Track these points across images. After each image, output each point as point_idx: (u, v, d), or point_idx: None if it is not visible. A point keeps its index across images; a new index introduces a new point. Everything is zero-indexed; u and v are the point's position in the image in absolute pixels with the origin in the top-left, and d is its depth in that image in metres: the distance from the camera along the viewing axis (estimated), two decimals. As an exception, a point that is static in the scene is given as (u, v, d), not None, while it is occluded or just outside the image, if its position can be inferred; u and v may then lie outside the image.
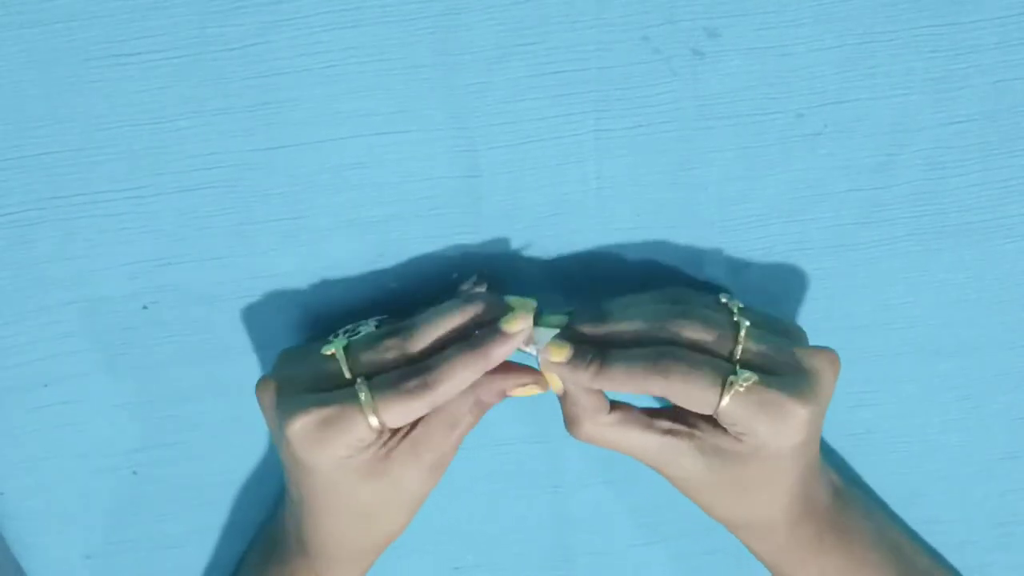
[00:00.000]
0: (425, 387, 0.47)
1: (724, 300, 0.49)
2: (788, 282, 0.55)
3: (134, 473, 0.60)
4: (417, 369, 0.47)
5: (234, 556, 0.62)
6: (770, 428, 0.46)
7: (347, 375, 0.48)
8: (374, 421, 0.47)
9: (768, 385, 0.46)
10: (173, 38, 0.50)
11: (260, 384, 0.51)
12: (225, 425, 0.59)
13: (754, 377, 0.46)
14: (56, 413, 0.58)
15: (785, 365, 0.48)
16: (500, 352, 0.47)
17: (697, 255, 0.55)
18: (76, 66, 0.50)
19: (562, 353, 0.48)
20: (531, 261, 0.55)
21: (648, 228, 0.54)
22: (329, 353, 0.49)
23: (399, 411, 0.47)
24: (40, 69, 0.50)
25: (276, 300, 0.55)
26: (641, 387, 0.46)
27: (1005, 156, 0.52)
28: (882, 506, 0.60)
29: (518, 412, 0.58)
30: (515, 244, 0.55)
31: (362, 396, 0.47)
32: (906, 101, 0.51)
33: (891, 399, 0.58)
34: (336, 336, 0.50)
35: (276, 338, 0.56)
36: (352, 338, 0.49)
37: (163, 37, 0.49)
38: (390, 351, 0.48)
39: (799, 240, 0.54)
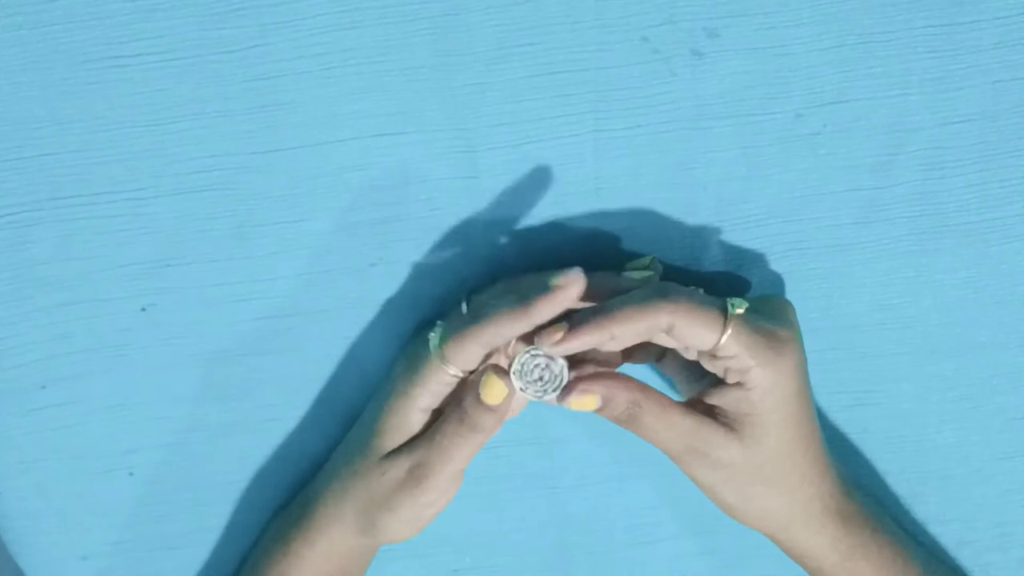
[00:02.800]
0: (476, 323, 0.48)
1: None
2: (787, 282, 0.55)
3: (131, 474, 0.59)
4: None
5: (232, 557, 0.62)
6: (767, 359, 0.48)
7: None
8: (439, 360, 0.50)
9: (758, 319, 0.48)
10: (172, 40, 0.50)
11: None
12: (222, 427, 0.59)
13: (746, 304, 0.48)
14: (54, 414, 0.58)
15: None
16: (544, 306, 0.47)
17: (696, 255, 0.55)
18: (75, 68, 0.50)
19: (558, 333, 0.48)
20: (530, 261, 0.55)
21: (647, 228, 0.54)
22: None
23: (454, 346, 0.49)
24: (39, 71, 0.50)
25: (275, 302, 0.55)
26: (651, 320, 0.47)
27: (1004, 156, 0.53)
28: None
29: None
30: (515, 245, 0.54)
31: (431, 339, 0.50)
32: (905, 101, 0.51)
33: (889, 399, 0.58)
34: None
35: (275, 340, 0.56)
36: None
37: (162, 39, 0.49)
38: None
39: (798, 240, 0.54)
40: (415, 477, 0.51)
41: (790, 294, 0.55)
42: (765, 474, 0.50)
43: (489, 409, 0.49)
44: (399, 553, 0.62)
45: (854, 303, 0.56)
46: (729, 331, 0.47)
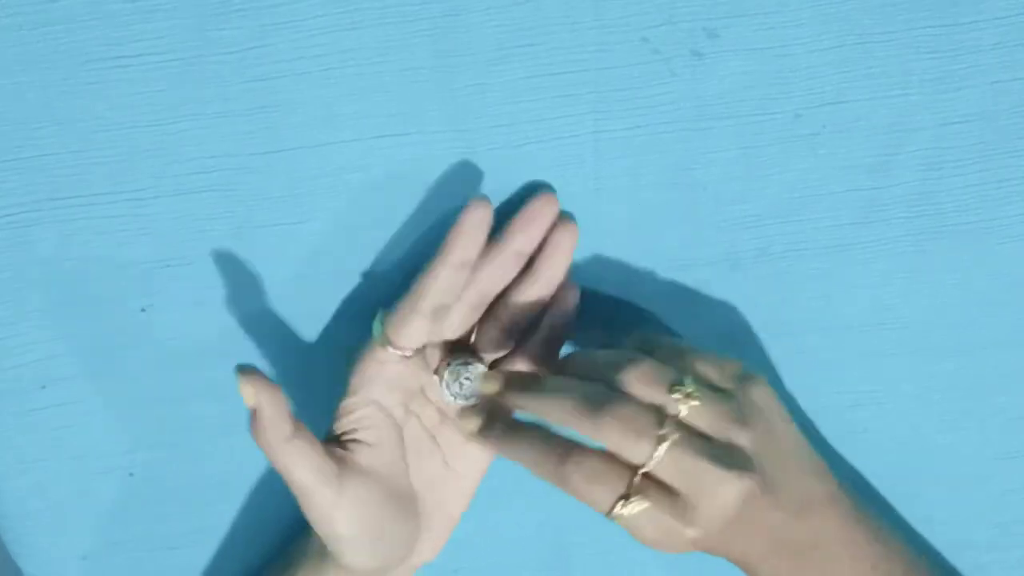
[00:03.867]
0: (414, 297, 0.49)
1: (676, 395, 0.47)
2: (785, 282, 0.55)
3: (131, 475, 0.60)
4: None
5: (231, 557, 0.62)
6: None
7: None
8: (382, 343, 0.50)
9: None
10: (172, 40, 0.50)
11: None
12: (222, 427, 0.59)
13: (644, 504, 0.46)
14: (54, 414, 0.58)
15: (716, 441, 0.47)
16: (461, 239, 0.49)
17: (695, 255, 0.55)
18: (75, 68, 0.50)
19: (493, 385, 0.50)
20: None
21: (647, 228, 0.54)
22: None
23: (395, 322, 0.50)
24: (39, 71, 0.50)
25: (275, 303, 0.55)
26: (574, 425, 0.46)
27: (1003, 157, 0.53)
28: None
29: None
30: (514, 245, 0.55)
31: (374, 326, 0.51)
32: (904, 102, 0.51)
33: (888, 399, 0.58)
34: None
35: (275, 341, 0.56)
36: None
37: (162, 40, 0.49)
38: None
39: (797, 240, 0.55)
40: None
41: (788, 294, 0.55)
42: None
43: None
44: (399, 553, 0.62)
45: (853, 303, 0.56)
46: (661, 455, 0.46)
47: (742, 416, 0.47)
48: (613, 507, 0.46)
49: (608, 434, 0.45)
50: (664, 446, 0.45)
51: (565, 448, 0.46)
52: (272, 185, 0.53)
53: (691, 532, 0.46)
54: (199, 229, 0.53)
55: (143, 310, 0.55)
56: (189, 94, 0.51)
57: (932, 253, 0.55)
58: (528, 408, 0.48)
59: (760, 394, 0.49)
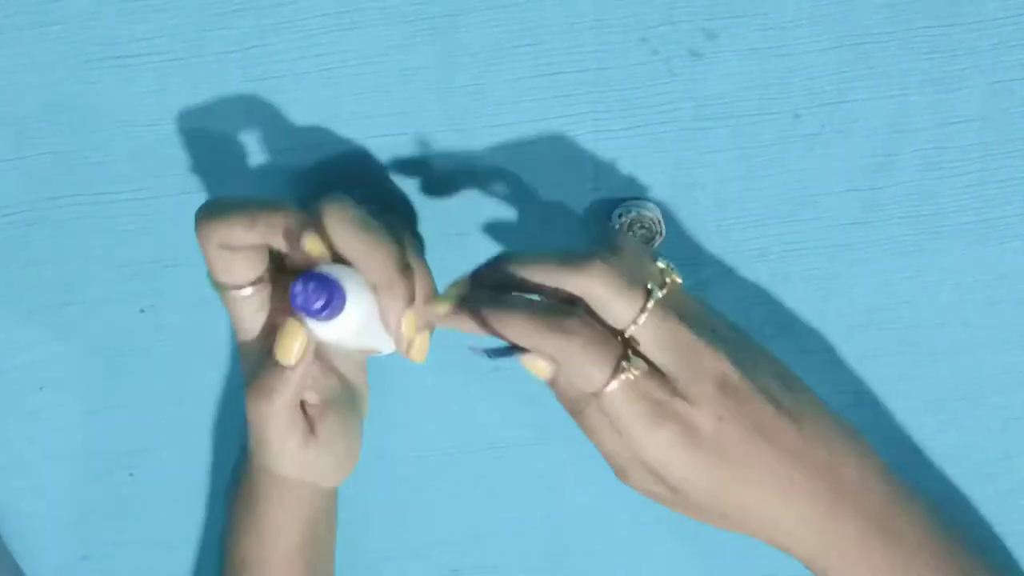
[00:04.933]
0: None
1: (661, 266, 0.47)
2: (785, 282, 0.55)
3: (131, 475, 0.60)
4: None
5: (232, 558, 0.62)
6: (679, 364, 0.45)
7: None
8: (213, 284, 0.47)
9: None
10: (172, 41, 0.50)
11: None
12: (222, 428, 0.59)
13: (644, 367, 0.44)
14: (54, 415, 0.58)
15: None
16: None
17: (694, 255, 0.55)
18: (76, 68, 0.50)
19: (444, 306, 0.46)
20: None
21: (646, 229, 0.54)
22: None
23: (209, 261, 0.46)
24: (40, 70, 0.50)
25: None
26: (537, 342, 0.44)
27: (1002, 157, 0.53)
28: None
29: (515, 414, 0.58)
30: (514, 245, 0.55)
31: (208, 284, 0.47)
32: (903, 102, 0.51)
33: (887, 400, 0.58)
34: None
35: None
36: None
37: (162, 40, 0.50)
38: None
39: (796, 240, 0.55)
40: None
41: (789, 294, 0.55)
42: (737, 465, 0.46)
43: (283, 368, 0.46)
44: (399, 553, 0.62)
45: (853, 303, 0.56)
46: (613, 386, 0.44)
47: (720, 321, 0.47)
48: (608, 380, 0.44)
49: (597, 282, 0.44)
50: (651, 303, 0.44)
51: (560, 311, 0.44)
52: (272, 184, 0.53)
53: (680, 406, 0.45)
54: (199, 229, 0.54)
55: (143, 310, 0.56)
56: (189, 94, 0.51)
57: (931, 253, 0.55)
58: (514, 265, 0.45)
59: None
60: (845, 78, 0.51)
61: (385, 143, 0.52)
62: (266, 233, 0.45)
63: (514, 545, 0.62)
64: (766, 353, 0.48)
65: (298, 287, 0.42)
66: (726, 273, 0.55)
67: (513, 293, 0.45)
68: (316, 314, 0.43)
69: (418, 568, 0.62)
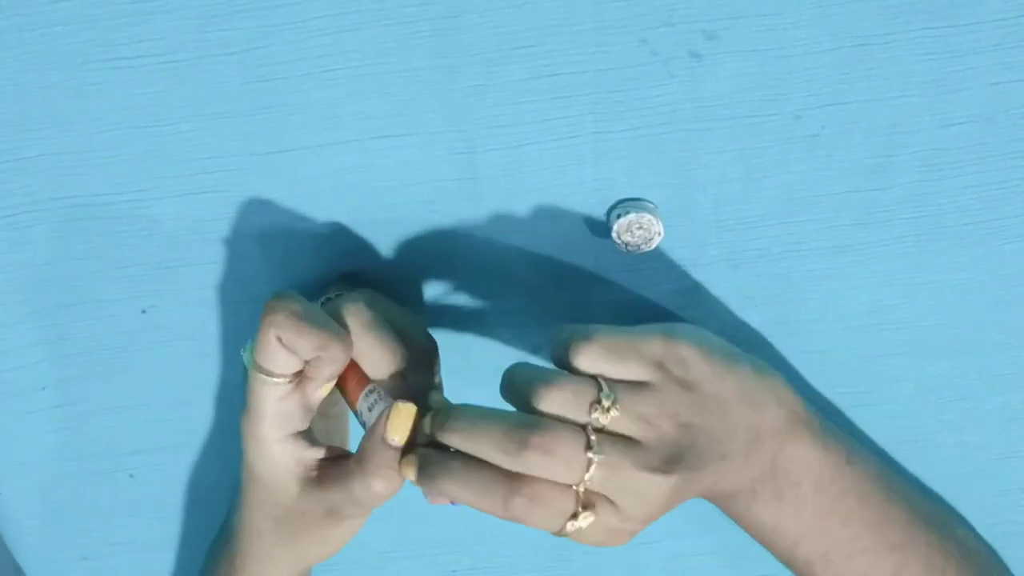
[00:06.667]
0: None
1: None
2: (784, 283, 0.55)
3: (131, 476, 0.60)
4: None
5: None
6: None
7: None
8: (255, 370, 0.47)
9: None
10: (172, 42, 0.50)
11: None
12: (222, 429, 0.59)
13: (591, 518, 0.46)
14: (54, 416, 0.58)
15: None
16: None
17: (694, 255, 0.55)
18: (76, 69, 0.50)
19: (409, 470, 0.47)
20: (529, 262, 0.55)
21: (646, 230, 0.54)
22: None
23: (260, 345, 0.47)
24: (40, 71, 0.50)
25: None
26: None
27: (1002, 158, 0.53)
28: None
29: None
30: (513, 246, 0.55)
31: (244, 357, 0.48)
32: (903, 103, 0.51)
33: (887, 400, 0.58)
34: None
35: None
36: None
37: (163, 40, 0.49)
38: None
39: (796, 241, 0.55)
40: (335, 517, 0.50)
41: (787, 295, 0.55)
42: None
43: (392, 447, 0.47)
44: (398, 553, 0.62)
45: (853, 304, 0.56)
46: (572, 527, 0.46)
47: (663, 405, 0.48)
48: (564, 527, 0.46)
49: (536, 466, 0.45)
50: (593, 468, 0.45)
51: (506, 482, 0.45)
52: (272, 186, 0.53)
53: (633, 526, 0.47)
54: (199, 230, 0.53)
55: (144, 311, 0.56)
56: (189, 95, 0.51)
57: (931, 254, 0.55)
58: (450, 442, 0.46)
59: (681, 365, 0.49)
60: (845, 79, 0.51)
61: (385, 143, 0.52)
62: (326, 362, 0.47)
63: (514, 545, 0.62)
64: (712, 396, 0.49)
65: None
66: (726, 273, 0.55)
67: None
68: None
69: (418, 568, 0.62)
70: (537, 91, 0.51)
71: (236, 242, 0.54)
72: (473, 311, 0.57)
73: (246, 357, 0.48)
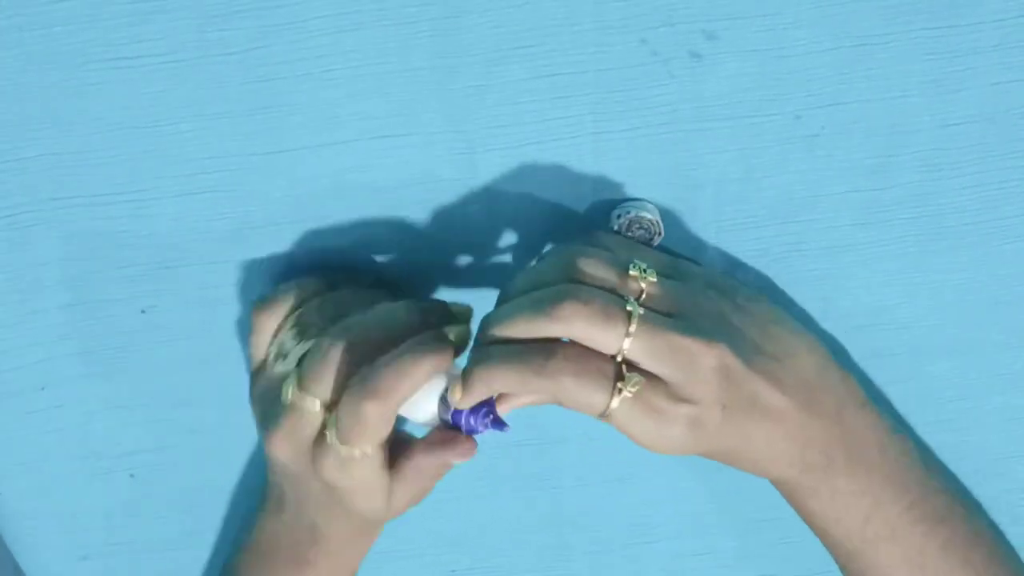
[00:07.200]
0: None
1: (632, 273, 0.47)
2: (784, 283, 0.55)
3: (131, 476, 0.60)
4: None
5: (232, 557, 0.62)
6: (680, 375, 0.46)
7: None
8: (312, 403, 0.47)
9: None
10: (172, 42, 0.50)
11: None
12: (222, 429, 0.59)
13: (638, 386, 0.45)
14: (54, 416, 0.58)
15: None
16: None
17: (694, 256, 0.55)
18: (75, 69, 0.50)
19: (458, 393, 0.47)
20: (529, 262, 0.55)
21: (646, 230, 0.54)
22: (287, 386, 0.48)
23: (313, 376, 0.47)
24: (39, 71, 0.50)
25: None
26: (527, 390, 0.46)
27: (1002, 158, 0.53)
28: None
29: (516, 414, 0.58)
30: (514, 246, 0.55)
31: (288, 392, 0.47)
32: (904, 103, 0.51)
33: (889, 399, 0.58)
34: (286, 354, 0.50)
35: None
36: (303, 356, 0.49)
37: (162, 41, 0.49)
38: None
39: (796, 241, 0.55)
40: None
41: (787, 295, 0.55)
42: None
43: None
44: (398, 553, 0.62)
45: (853, 304, 0.56)
46: (615, 404, 0.45)
47: (700, 290, 0.48)
48: (609, 402, 0.45)
49: (576, 324, 0.44)
50: (634, 325, 0.44)
51: (542, 352, 0.45)
52: (272, 186, 0.53)
53: (684, 409, 0.46)
54: (200, 230, 0.53)
55: (143, 311, 0.56)
56: (189, 95, 0.51)
57: (931, 254, 0.55)
58: (492, 332, 0.46)
59: (700, 272, 0.50)
60: (845, 79, 0.51)
61: (385, 143, 0.52)
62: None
63: (514, 545, 0.62)
64: (750, 307, 0.50)
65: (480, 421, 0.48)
66: (726, 274, 0.55)
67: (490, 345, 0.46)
68: (500, 427, 0.48)
69: (418, 568, 0.62)
70: (537, 91, 0.51)
71: (236, 242, 0.54)
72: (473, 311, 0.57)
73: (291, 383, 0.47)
